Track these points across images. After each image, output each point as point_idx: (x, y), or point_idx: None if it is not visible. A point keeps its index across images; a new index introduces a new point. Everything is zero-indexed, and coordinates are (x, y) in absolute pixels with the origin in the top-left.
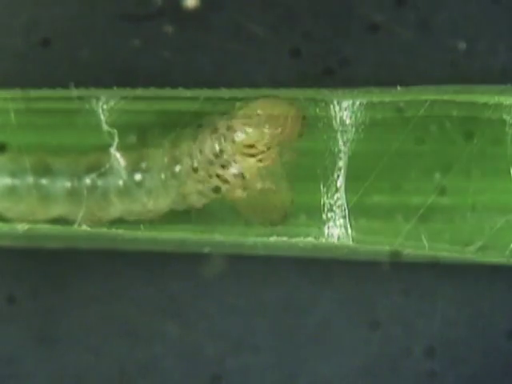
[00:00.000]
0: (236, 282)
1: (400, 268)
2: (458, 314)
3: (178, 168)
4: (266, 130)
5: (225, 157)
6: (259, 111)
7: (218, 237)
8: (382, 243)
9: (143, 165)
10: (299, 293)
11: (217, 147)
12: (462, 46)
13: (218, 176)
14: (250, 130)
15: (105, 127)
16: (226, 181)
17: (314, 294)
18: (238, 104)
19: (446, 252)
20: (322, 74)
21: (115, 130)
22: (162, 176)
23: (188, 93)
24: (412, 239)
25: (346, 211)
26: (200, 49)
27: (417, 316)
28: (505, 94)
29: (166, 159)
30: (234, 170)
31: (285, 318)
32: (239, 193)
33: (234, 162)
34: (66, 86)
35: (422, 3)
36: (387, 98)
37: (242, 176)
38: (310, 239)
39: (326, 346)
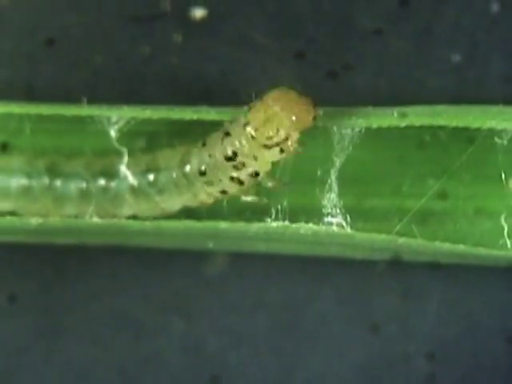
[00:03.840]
0: (237, 280)
1: (397, 269)
2: (457, 315)
3: (187, 168)
4: (283, 117)
5: (239, 158)
6: (272, 102)
7: (222, 225)
8: (379, 239)
9: (155, 165)
10: (299, 291)
11: (229, 150)
12: (463, 52)
13: (231, 178)
14: (267, 120)
15: (115, 145)
16: (240, 181)
17: (313, 293)
18: (249, 106)
19: (444, 254)
20: (325, 78)
21: (125, 149)
22: (174, 176)
23: (195, 114)
24: (409, 241)
25: (342, 213)
26: (207, 57)
27: (414, 317)
28: (499, 116)
29: (176, 160)
30: (249, 169)
31: (284, 316)
32: (247, 197)
33: (253, 159)
34: (76, 98)
35: (425, 9)
36: (385, 123)
37: (256, 174)
38: (311, 225)
39: (324, 343)
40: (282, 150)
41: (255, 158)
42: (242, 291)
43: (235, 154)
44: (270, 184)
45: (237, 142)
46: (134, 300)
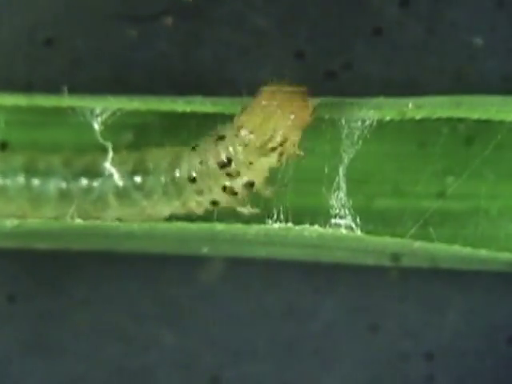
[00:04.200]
0: (235, 289)
1: (402, 273)
2: (459, 318)
3: (177, 173)
4: (279, 117)
5: (234, 166)
6: (265, 101)
7: (218, 226)
8: (392, 243)
9: (143, 167)
10: (303, 301)
11: (223, 156)
12: (465, 50)
13: (224, 188)
14: (262, 121)
15: (100, 140)
16: (233, 192)
17: (318, 303)
18: (241, 105)
19: (463, 260)
20: (325, 77)
21: (110, 143)
22: (162, 180)
23: (188, 106)
24: (426, 245)
25: (352, 214)
26: (200, 41)
27: (417, 321)
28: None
29: (165, 162)
30: (244, 178)
31: (287, 329)
32: (241, 208)
33: (249, 167)
34: (56, 87)
35: (426, 7)
36: (399, 115)
37: (251, 185)
38: (316, 227)
39: (331, 359)
40: (280, 155)
41: (251, 166)
42: (239, 301)
43: (229, 160)
44: (267, 192)
45: (231, 148)
46: (121, 311)
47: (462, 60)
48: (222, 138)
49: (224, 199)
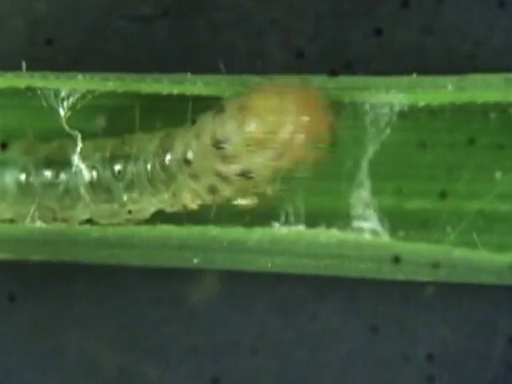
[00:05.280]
0: (232, 311)
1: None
2: (458, 318)
3: (168, 158)
4: (293, 111)
5: (229, 148)
6: (284, 91)
7: (212, 231)
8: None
9: (124, 152)
10: (317, 326)
11: (219, 133)
12: (466, 50)
13: (216, 174)
14: (272, 109)
15: (66, 128)
16: (226, 179)
17: (339, 329)
18: (254, 82)
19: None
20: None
21: (78, 133)
22: (148, 167)
23: (175, 87)
24: (468, 253)
25: (378, 216)
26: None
27: (416, 322)
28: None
29: (154, 145)
30: (239, 166)
31: (296, 360)
32: (242, 201)
33: (245, 154)
34: (13, 63)
35: (426, 7)
36: (436, 99)
37: (247, 175)
38: (334, 231)
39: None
40: (279, 156)
41: (248, 155)
42: (239, 326)
43: (226, 139)
44: (267, 189)
45: (228, 125)
46: (89, 337)
47: (462, 60)
48: (221, 110)
49: (222, 186)
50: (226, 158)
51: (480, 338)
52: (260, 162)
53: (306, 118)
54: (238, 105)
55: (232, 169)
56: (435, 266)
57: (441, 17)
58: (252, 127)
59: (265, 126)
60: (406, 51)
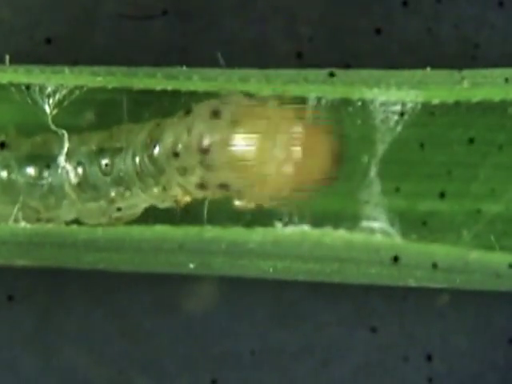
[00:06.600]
0: (231, 320)
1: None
2: (458, 319)
3: (157, 150)
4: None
5: (213, 155)
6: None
7: (210, 232)
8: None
9: (112, 145)
10: (324, 335)
11: (207, 140)
12: (466, 50)
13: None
14: (259, 140)
15: (52, 127)
16: (203, 187)
17: (349, 339)
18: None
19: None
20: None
21: (64, 132)
22: (137, 160)
23: (169, 83)
24: (485, 256)
25: (388, 216)
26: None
27: (415, 322)
28: None
29: (142, 136)
30: (219, 178)
31: (301, 373)
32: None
33: (221, 168)
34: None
35: (426, 7)
36: (451, 96)
37: (227, 189)
38: (342, 232)
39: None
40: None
41: (226, 164)
42: (237, 336)
43: (211, 146)
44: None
45: (217, 135)
46: (78, 350)
47: (461, 60)
48: (216, 114)
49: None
50: (208, 166)
51: (480, 339)
52: (242, 182)
53: (299, 150)
54: (231, 117)
55: (212, 178)
56: (448, 269)
57: (440, 16)
58: (239, 145)
59: (253, 152)
60: (406, 51)
